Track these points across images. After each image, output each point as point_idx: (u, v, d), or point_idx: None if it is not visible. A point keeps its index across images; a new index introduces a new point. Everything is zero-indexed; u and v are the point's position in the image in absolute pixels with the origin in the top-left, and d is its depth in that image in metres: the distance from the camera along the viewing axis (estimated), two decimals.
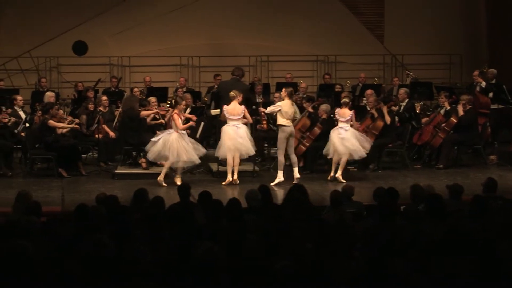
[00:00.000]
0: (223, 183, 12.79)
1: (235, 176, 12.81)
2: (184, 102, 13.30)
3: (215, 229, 7.04)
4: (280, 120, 12.86)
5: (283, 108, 12.81)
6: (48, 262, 5.81)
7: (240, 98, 12.90)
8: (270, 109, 13.11)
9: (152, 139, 12.85)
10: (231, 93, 12.95)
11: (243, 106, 12.97)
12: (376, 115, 14.20)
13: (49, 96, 15.14)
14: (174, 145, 12.60)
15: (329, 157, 13.26)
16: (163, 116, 14.16)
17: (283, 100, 13.07)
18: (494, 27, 20.53)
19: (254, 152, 13.11)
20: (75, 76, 19.15)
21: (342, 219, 7.72)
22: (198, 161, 12.82)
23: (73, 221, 7.38)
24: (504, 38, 20.03)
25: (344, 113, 13.25)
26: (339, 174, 13.10)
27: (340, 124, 13.20)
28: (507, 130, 15.87)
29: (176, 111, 12.85)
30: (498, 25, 20.38)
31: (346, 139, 13.04)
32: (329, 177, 13.16)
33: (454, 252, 6.08)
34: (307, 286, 5.36)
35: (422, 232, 6.70)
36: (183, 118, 12.99)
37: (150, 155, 12.87)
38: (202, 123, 14.16)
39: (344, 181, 12.88)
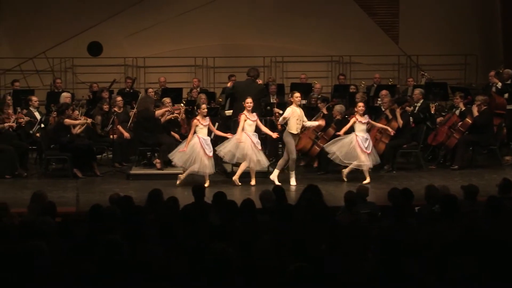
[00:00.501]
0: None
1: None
2: (204, 106, 13.23)
3: (229, 230, 7.04)
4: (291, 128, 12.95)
5: (291, 119, 12.86)
6: (63, 262, 5.83)
7: None
8: (280, 120, 13.11)
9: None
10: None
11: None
12: (390, 116, 14.17)
13: (65, 96, 15.21)
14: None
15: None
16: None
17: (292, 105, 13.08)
18: (510, 28, 20.43)
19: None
20: (90, 77, 19.23)
21: (357, 220, 7.72)
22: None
23: (88, 221, 7.41)
24: None
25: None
26: (345, 173, 13.21)
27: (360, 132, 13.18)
28: None
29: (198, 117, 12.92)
30: None
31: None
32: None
33: (469, 253, 6.06)
34: None
35: (437, 233, 6.68)
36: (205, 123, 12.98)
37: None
38: (217, 124, 14.16)
39: (345, 179, 13.07)
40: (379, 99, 16.04)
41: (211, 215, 7.91)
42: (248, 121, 12.89)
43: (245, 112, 12.92)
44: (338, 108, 14.33)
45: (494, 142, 14.67)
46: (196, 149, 12.70)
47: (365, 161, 13.01)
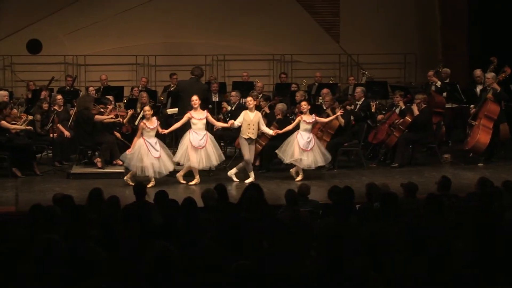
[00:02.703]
0: (191, 183, 12.89)
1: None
2: (148, 108, 13.11)
3: (171, 228, 7.02)
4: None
5: (243, 123, 12.97)
6: (2, 262, 5.75)
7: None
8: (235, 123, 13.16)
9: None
10: None
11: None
12: (331, 114, 14.25)
13: (3, 95, 14.94)
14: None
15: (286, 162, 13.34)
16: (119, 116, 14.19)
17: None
18: (448, 27, 20.73)
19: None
20: (29, 75, 18.97)
21: (297, 218, 7.74)
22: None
23: (27, 221, 7.31)
24: (457, 38, 20.25)
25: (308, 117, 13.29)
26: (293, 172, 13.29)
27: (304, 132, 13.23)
28: (461, 129, 16.03)
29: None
30: (451, 25, 20.58)
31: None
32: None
33: (409, 250, 6.13)
34: (263, 286, 5.36)
35: (377, 230, 6.74)
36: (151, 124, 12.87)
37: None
38: (158, 122, 14.07)
39: (295, 177, 13.19)
40: (320, 98, 16.13)
41: (153, 214, 7.87)
42: (193, 120, 12.86)
43: (191, 111, 12.91)
44: (280, 106, 14.37)
45: (433, 140, 14.86)
46: (142, 150, 12.63)
47: (303, 159, 13.06)
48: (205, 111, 13.10)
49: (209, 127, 13.40)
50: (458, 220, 7.41)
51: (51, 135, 14.42)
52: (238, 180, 13.06)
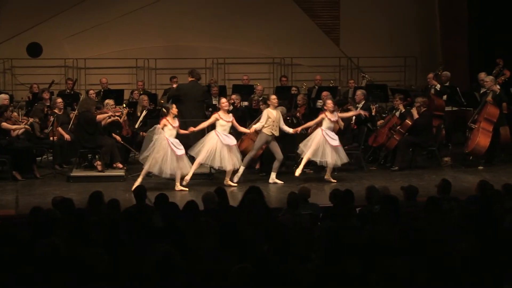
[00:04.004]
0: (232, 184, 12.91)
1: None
2: (174, 106, 12.97)
3: (172, 231, 7.02)
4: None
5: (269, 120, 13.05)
6: (3, 265, 5.75)
7: None
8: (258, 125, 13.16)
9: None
10: None
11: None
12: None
13: (3, 98, 14.93)
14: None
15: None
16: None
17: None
18: (448, 30, 20.74)
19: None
20: (29, 78, 18.98)
21: (299, 221, 7.73)
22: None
23: (28, 224, 7.31)
24: (457, 41, 20.25)
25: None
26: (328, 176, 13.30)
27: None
28: (461, 132, 16.02)
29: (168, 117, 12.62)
30: (452, 27, 20.59)
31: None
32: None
33: (409, 252, 6.13)
34: None
35: (378, 233, 6.74)
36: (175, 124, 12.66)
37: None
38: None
39: (334, 181, 13.17)
40: (320, 101, 16.13)
41: (154, 217, 7.87)
42: (221, 121, 12.84)
43: (220, 112, 12.90)
44: (280, 109, 14.35)
45: (433, 144, 14.85)
46: (162, 146, 12.42)
47: (329, 158, 13.09)
48: (231, 114, 13.09)
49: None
50: (459, 223, 7.41)
51: (51, 138, 14.41)
52: (282, 182, 13.07)
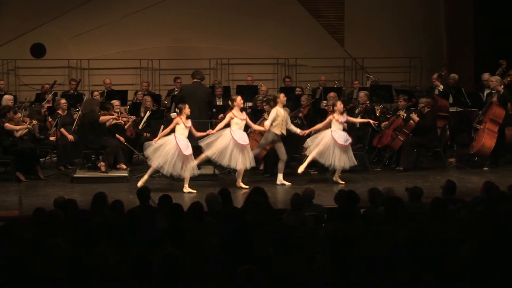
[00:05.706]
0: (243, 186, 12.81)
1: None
2: (187, 106, 12.72)
3: (176, 233, 6.99)
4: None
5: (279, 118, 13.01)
6: (7, 266, 5.73)
7: None
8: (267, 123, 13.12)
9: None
10: None
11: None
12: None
13: (7, 99, 14.91)
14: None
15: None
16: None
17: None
18: (453, 30, 20.70)
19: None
20: (33, 79, 18.98)
21: (303, 222, 7.71)
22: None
23: (31, 225, 7.29)
24: (462, 41, 20.22)
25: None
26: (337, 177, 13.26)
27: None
28: (466, 132, 15.97)
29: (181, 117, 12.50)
30: (457, 28, 20.55)
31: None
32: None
33: (415, 254, 6.09)
34: None
35: (383, 234, 6.71)
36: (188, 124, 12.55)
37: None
38: (162, 126, 14.05)
39: (342, 182, 13.12)
40: (325, 102, 16.09)
41: (158, 218, 7.85)
42: (236, 119, 12.79)
43: (234, 110, 12.85)
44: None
45: (438, 144, 14.81)
46: (170, 146, 12.36)
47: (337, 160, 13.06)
48: (244, 112, 13.05)
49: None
50: (464, 224, 7.37)
51: (54, 138, 14.36)
52: (290, 184, 13.02)
